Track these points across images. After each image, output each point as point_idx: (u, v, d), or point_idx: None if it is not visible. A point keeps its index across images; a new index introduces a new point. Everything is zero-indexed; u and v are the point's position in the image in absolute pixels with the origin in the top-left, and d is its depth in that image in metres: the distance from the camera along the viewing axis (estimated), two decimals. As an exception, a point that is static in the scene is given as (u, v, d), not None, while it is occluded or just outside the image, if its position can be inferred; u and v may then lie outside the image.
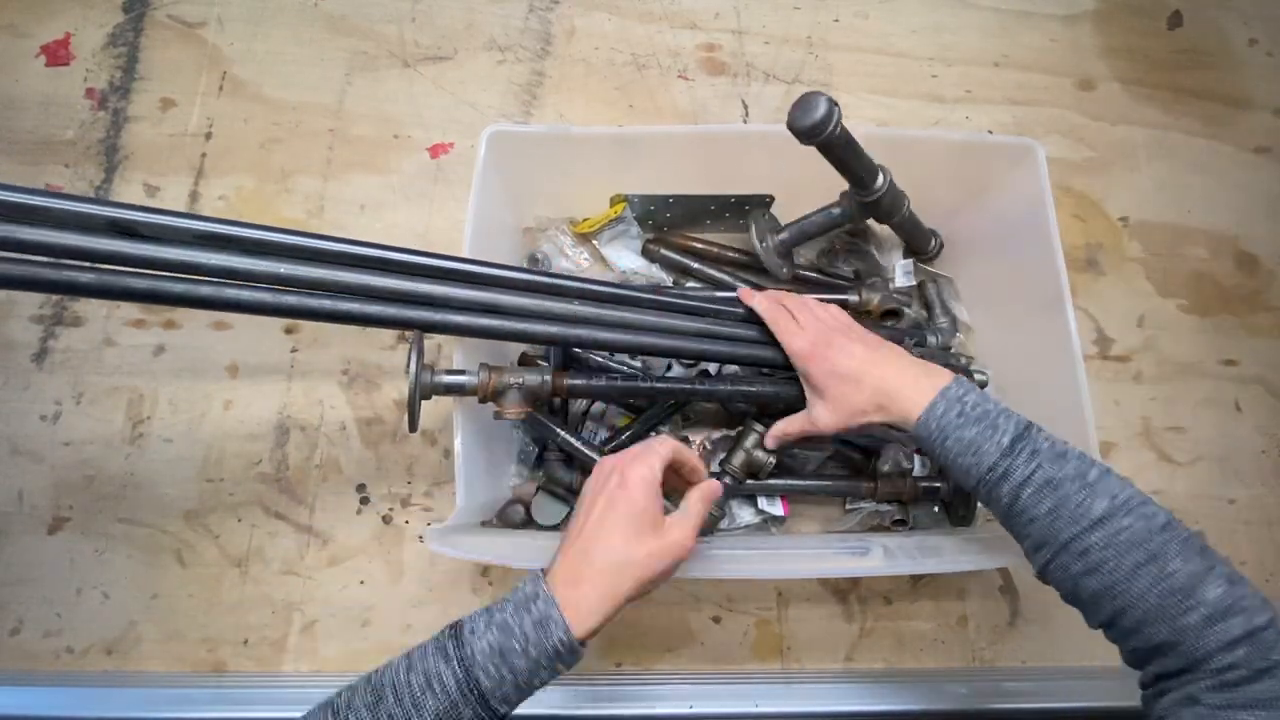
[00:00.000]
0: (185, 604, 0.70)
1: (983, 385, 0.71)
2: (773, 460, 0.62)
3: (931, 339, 0.74)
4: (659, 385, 0.60)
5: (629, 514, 0.44)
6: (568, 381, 0.57)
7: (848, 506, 0.72)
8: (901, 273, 0.75)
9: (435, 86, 0.86)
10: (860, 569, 0.66)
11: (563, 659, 0.41)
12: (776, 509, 0.70)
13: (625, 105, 0.87)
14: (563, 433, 0.65)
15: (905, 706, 0.68)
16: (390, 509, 0.73)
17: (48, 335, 0.76)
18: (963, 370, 0.69)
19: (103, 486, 0.72)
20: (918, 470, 0.70)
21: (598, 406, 0.73)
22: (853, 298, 0.73)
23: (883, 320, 0.75)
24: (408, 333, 0.77)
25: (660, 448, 0.48)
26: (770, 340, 0.58)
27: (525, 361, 0.72)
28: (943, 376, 0.50)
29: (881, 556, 0.63)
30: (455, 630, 0.41)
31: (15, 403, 0.74)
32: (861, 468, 0.72)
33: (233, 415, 0.75)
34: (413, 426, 0.52)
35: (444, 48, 0.87)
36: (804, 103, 0.52)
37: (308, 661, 0.69)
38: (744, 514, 0.71)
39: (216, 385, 0.76)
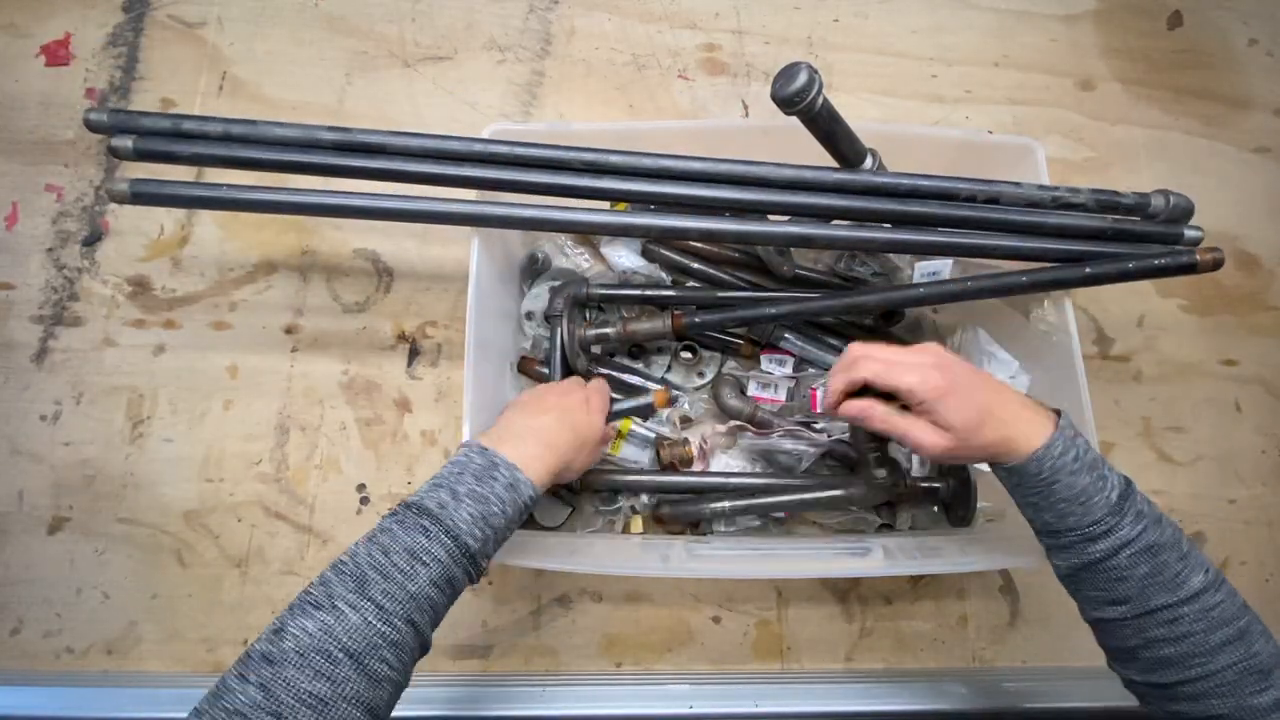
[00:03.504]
0: (185, 604, 0.70)
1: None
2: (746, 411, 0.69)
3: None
4: (766, 310, 0.67)
5: (576, 436, 0.54)
6: (684, 320, 0.69)
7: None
8: (921, 274, 0.74)
9: (435, 86, 0.86)
10: (860, 569, 0.67)
11: (529, 509, 0.49)
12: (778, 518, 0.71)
13: (625, 105, 0.87)
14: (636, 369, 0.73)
15: (905, 706, 0.68)
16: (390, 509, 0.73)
17: (48, 335, 0.76)
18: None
19: (103, 486, 0.72)
20: (916, 470, 0.70)
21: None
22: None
23: (882, 320, 0.75)
24: (405, 336, 0.77)
25: (601, 397, 0.60)
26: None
27: (524, 368, 0.73)
28: (1048, 413, 0.47)
29: (881, 557, 0.63)
30: (417, 510, 0.44)
31: (15, 403, 0.74)
32: (855, 465, 0.72)
33: (233, 415, 0.75)
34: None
35: (444, 48, 0.87)
36: (786, 72, 0.52)
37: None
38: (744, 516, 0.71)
39: (216, 385, 0.76)
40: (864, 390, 0.50)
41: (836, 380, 0.50)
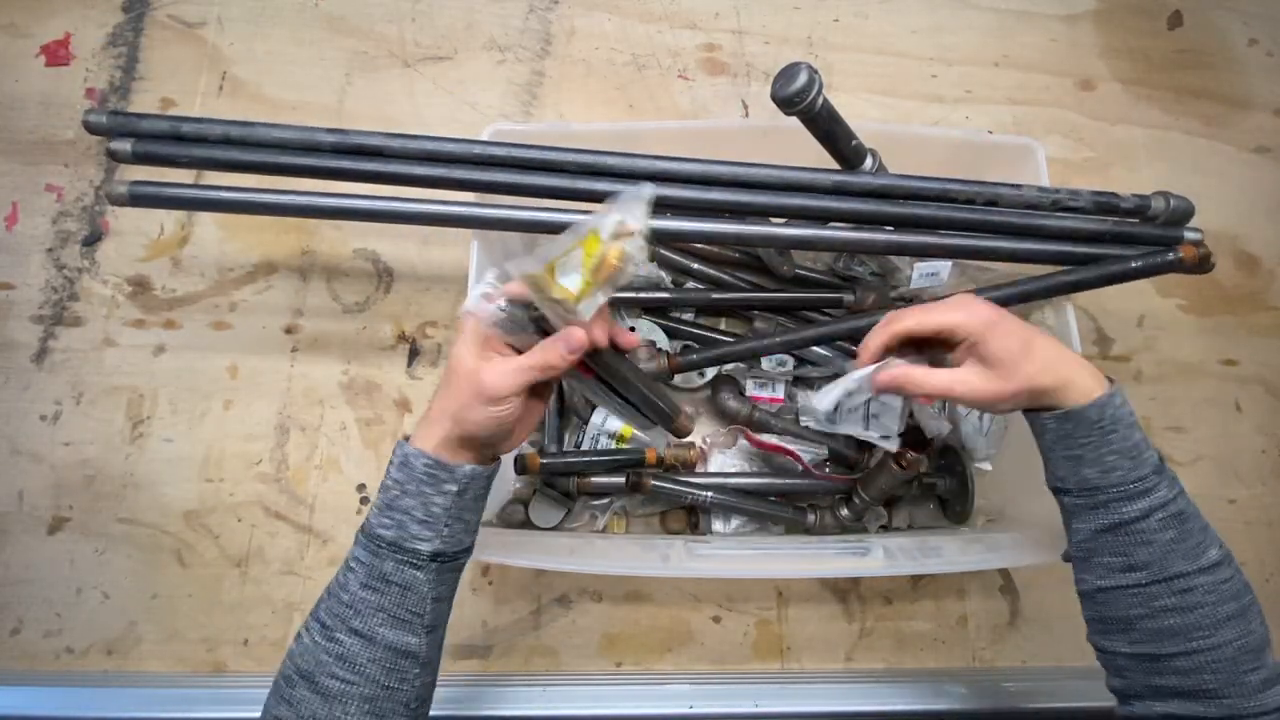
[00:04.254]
0: (185, 604, 0.70)
1: None
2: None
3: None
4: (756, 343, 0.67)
5: (453, 393, 0.44)
6: (680, 360, 0.69)
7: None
8: (919, 275, 0.74)
9: (435, 86, 0.86)
10: (860, 569, 0.67)
11: (438, 475, 0.43)
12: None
13: (625, 105, 0.87)
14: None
15: (905, 706, 0.68)
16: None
17: (48, 335, 0.76)
18: None
19: (103, 486, 0.72)
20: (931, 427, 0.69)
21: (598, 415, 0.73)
22: (848, 296, 0.73)
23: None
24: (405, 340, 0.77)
25: (468, 333, 0.46)
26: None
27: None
28: (1098, 369, 0.47)
29: (881, 556, 0.63)
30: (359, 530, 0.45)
31: (15, 403, 0.74)
32: (854, 464, 0.72)
33: (233, 415, 0.75)
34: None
35: (444, 48, 0.87)
36: (786, 73, 0.52)
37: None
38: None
39: (216, 385, 0.76)
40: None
41: (875, 336, 0.49)
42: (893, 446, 0.63)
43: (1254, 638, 0.43)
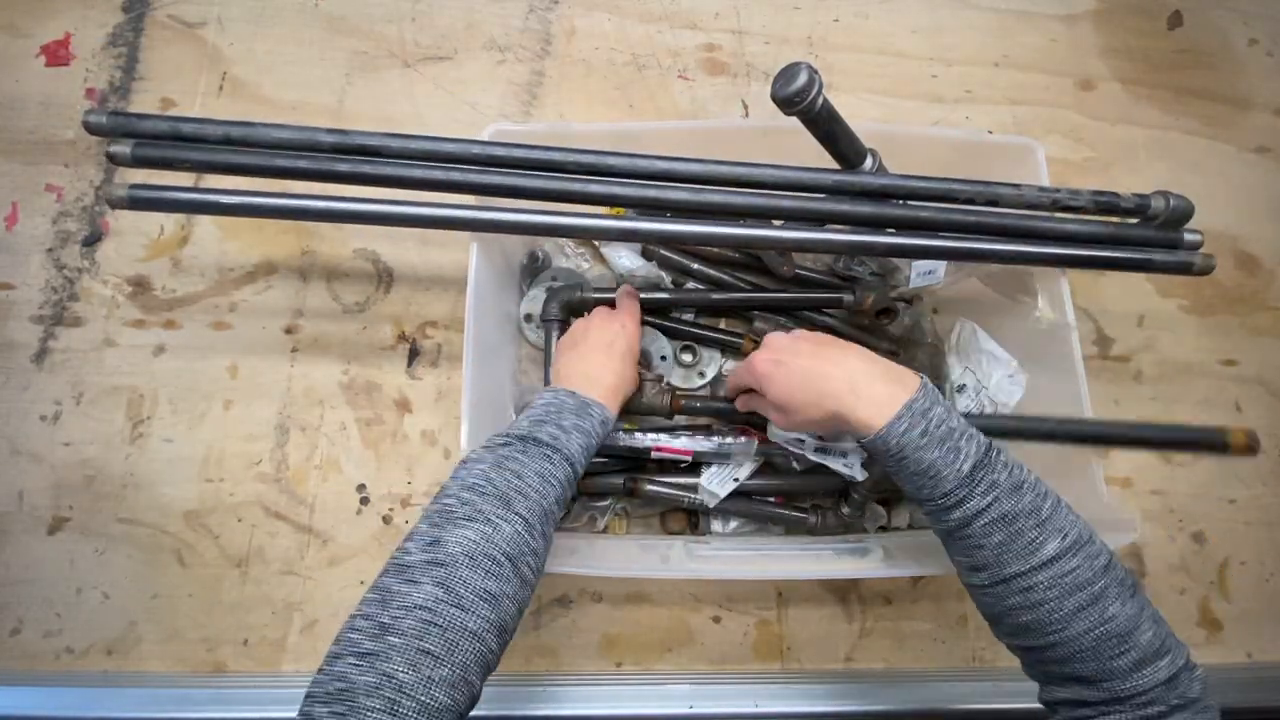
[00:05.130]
0: (185, 604, 0.70)
1: (961, 388, 0.71)
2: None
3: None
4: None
5: (624, 364, 0.62)
6: (684, 403, 0.69)
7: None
8: (917, 273, 0.74)
9: (435, 86, 0.86)
10: (860, 569, 0.67)
11: (591, 411, 0.55)
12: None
13: (625, 105, 0.87)
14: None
15: (905, 706, 0.68)
16: (390, 509, 0.73)
17: (48, 335, 0.76)
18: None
19: (103, 486, 0.72)
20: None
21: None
22: (847, 296, 0.73)
23: (877, 319, 0.75)
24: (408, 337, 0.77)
25: (633, 314, 0.66)
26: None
27: None
28: (906, 386, 0.48)
29: (881, 556, 0.63)
30: (535, 442, 0.50)
31: (15, 403, 0.74)
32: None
33: (233, 415, 0.75)
34: None
35: (444, 48, 0.87)
36: (786, 73, 0.52)
37: (308, 661, 0.69)
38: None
39: (216, 385, 0.76)
40: None
41: (729, 383, 0.63)
42: (859, 476, 0.64)
43: (1114, 624, 0.42)
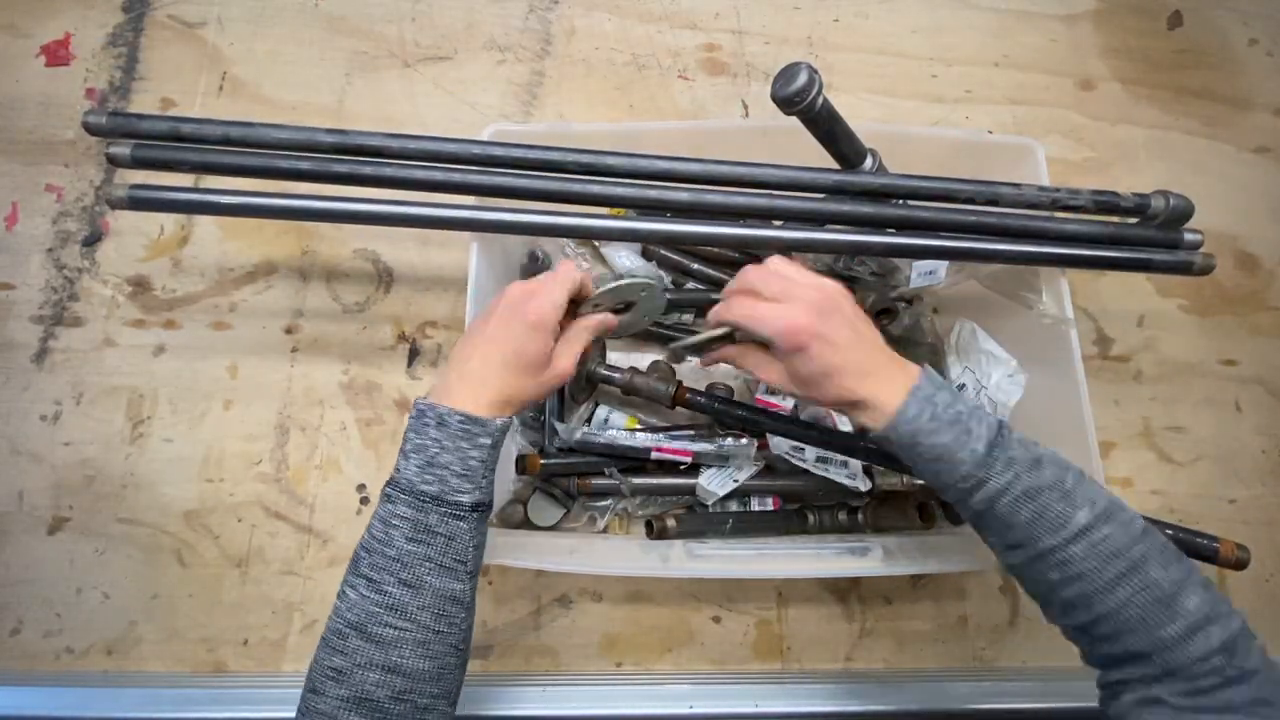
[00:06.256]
0: (185, 604, 0.70)
1: (961, 388, 0.70)
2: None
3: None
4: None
5: (518, 360, 0.49)
6: (689, 397, 0.67)
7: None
8: (917, 274, 0.74)
9: (435, 86, 0.86)
10: (860, 569, 0.67)
11: (475, 431, 0.46)
12: (767, 506, 0.71)
13: (625, 105, 0.87)
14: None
15: (905, 706, 0.68)
16: (390, 509, 0.73)
17: (48, 335, 0.76)
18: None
19: (103, 486, 0.72)
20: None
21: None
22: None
23: (878, 319, 0.75)
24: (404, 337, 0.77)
25: (565, 280, 0.51)
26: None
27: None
28: (908, 372, 0.47)
29: (881, 556, 0.63)
30: (388, 484, 0.46)
31: (15, 403, 0.74)
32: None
33: (233, 415, 0.75)
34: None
35: (444, 48, 0.87)
36: (786, 72, 0.52)
37: (307, 661, 0.69)
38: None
39: (216, 385, 0.76)
40: None
41: (713, 313, 0.53)
42: (862, 486, 0.63)
43: (1157, 589, 0.41)
